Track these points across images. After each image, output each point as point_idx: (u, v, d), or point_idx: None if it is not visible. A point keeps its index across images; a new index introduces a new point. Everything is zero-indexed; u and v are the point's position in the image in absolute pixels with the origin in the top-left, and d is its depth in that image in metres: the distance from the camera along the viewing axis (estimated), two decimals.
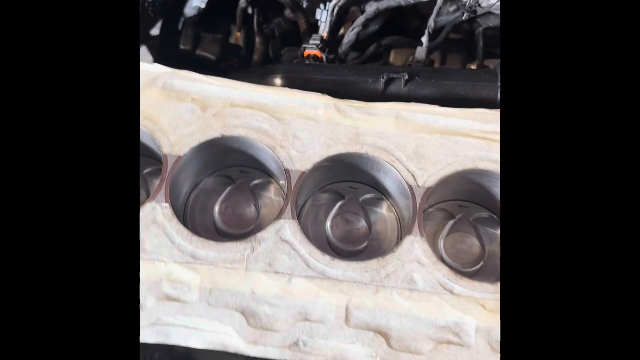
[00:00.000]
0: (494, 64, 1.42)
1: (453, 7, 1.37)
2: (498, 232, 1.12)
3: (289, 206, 0.98)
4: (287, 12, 1.54)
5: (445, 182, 1.02)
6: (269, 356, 0.88)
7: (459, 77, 1.15)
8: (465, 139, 1.03)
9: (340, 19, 1.46)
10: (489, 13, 1.35)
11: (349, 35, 1.35)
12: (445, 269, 0.94)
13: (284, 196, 1.02)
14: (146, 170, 1.17)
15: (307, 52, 1.31)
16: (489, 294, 0.91)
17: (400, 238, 1.06)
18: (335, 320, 0.90)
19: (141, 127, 1.03)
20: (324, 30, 1.35)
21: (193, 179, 1.14)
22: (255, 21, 1.51)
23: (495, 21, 1.38)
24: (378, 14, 1.35)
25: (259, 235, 0.96)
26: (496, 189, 1.06)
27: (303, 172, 1.00)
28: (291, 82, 1.16)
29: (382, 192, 1.15)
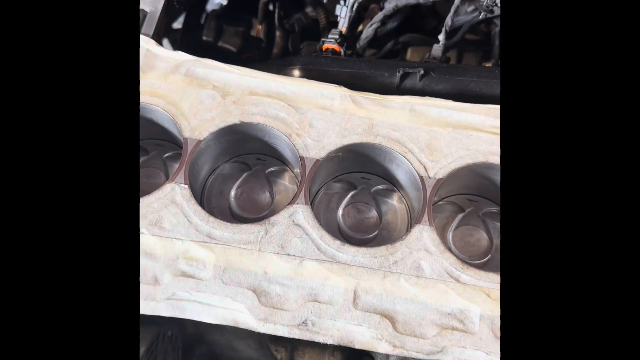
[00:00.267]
0: None
1: (471, 7, 1.39)
2: None
3: (302, 192, 1.01)
4: (308, 9, 1.58)
5: (456, 175, 1.05)
6: (278, 334, 0.91)
7: (473, 74, 1.17)
8: (477, 134, 1.06)
9: (360, 16, 1.50)
10: None
11: (367, 31, 1.38)
12: (453, 258, 0.96)
13: (298, 183, 1.05)
14: (166, 155, 1.21)
15: (325, 46, 1.34)
16: (494, 284, 0.93)
17: (409, 228, 1.08)
18: (344, 302, 0.93)
19: (163, 111, 1.07)
20: (343, 25, 1.38)
21: (211, 163, 1.17)
22: (276, 15, 1.55)
23: None
24: (396, 12, 1.38)
25: (273, 218, 0.99)
26: None
27: (317, 160, 1.04)
28: (309, 74, 1.19)
29: (393, 184, 1.18)
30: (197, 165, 1.09)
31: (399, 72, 1.16)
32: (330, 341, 0.91)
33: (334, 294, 0.94)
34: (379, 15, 1.36)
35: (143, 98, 1.08)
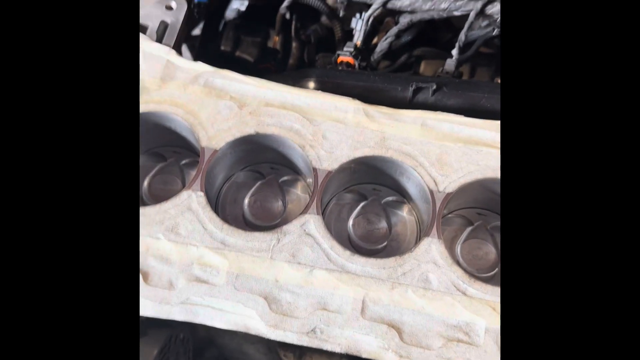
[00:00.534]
0: None
1: (485, 22, 1.41)
2: None
3: (314, 202, 1.04)
4: (324, 19, 1.61)
5: (466, 190, 1.07)
6: (287, 340, 0.94)
7: (485, 90, 1.19)
8: (488, 149, 1.08)
9: (374, 29, 1.52)
10: None
11: (382, 44, 1.41)
12: (460, 271, 0.98)
13: (311, 193, 1.08)
14: (183, 162, 1.25)
15: (340, 58, 1.37)
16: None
17: (418, 240, 1.10)
18: (352, 311, 0.95)
19: (182, 120, 1.11)
20: (358, 38, 1.40)
21: (227, 171, 1.21)
22: (293, 27, 1.58)
23: None
24: (411, 26, 1.40)
25: (285, 227, 1.02)
26: None
27: (330, 171, 1.06)
28: (324, 86, 1.22)
29: (404, 196, 1.20)
30: (213, 173, 1.12)
31: (411, 86, 1.19)
32: (337, 349, 0.93)
33: (342, 303, 0.96)
34: (394, 30, 1.39)
35: (163, 107, 1.12)
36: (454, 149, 1.08)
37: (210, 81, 1.16)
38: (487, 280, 1.10)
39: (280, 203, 1.19)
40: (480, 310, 0.95)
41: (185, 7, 1.28)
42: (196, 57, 1.70)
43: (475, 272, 1.10)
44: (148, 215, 1.02)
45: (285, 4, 1.45)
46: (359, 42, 1.40)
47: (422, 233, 1.14)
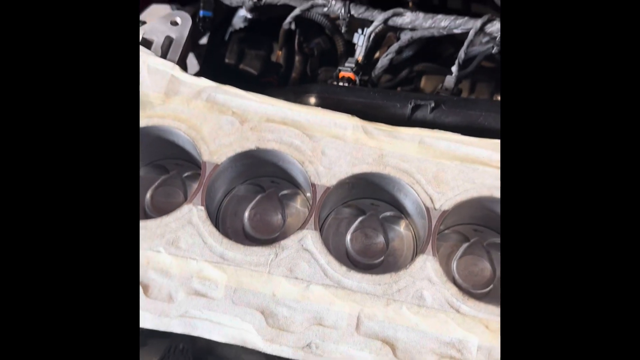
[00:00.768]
0: None
1: (486, 38, 1.43)
2: None
3: (312, 218, 1.06)
4: (327, 32, 1.63)
5: (462, 207, 1.08)
6: (283, 355, 0.96)
7: (482, 108, 1.21)
8: (484, 168, 1.09)
9: (377, 44, 1.54)
10: None
11: (383, 60, 1.43)
12: (454, 289, 1.00)
13: (309, 207, 1.10)
14: (185, 174, 1.27)
15: (342, 74, 1.39)
16: (493, 316, 0.97)
17: (415, 256, 1.12)
18: (347, 327, 0.97)
19: (185, 135, 1.13)
20: (359, 54, 1.42)
21: (227, 185, 1.23)
22: (296, 40, 1.61)
23: None
24: (412, 42, 1.42)
25: (283, 242, 1.04)
26: None
27: (328, 187, 1.08)
28: (324, 102, 1.24)
29: (401, 211, 1.22)
30: (214, 187, 1.14)
31: (410, 103, 1.21)
32: None
33: (338, 318, 0.98)
34: (395, 46, 1.41)
35: (166, 121, 1.15)
36: (451, 167, 1.10)
37: (212, 96, 1.18)
38: (482, 297, 1.12)
39: (280, 216, 1.21)
40: (473, 328, 0.96)
41: (189, 22, 1.31)
42: (202, 66, 1.73)
43: (471, 288, 1.12)
44: (149, 229, 1.04)
45: (288, 19, 1.47)
46: (360, 58, 1.42)
47: (418, 249, 1.16)
